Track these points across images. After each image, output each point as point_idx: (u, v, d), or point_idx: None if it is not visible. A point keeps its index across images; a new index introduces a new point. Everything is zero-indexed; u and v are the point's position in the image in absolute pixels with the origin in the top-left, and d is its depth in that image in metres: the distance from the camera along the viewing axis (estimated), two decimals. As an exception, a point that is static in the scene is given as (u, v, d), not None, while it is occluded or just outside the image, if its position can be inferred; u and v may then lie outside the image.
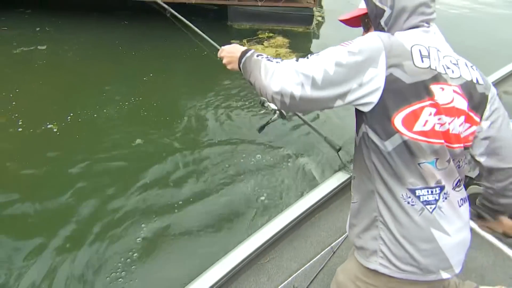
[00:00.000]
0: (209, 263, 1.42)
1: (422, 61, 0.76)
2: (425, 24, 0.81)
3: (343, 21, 1.00)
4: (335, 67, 0.73)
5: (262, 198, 2.42)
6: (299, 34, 5.27)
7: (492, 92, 0.86)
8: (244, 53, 0.91)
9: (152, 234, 2.13)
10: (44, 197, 2.34)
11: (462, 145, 0.84)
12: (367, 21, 0.88)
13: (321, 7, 6.50)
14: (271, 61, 0.83)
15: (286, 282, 1.46)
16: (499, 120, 0.85)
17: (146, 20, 5.13)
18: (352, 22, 0.97)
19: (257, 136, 2.96)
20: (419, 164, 0.80)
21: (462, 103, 0.79)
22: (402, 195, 0.83)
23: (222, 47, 1.03)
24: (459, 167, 0.87)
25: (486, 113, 0.83)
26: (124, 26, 5.09)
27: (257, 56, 0.88)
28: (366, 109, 0.78)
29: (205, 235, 2.16)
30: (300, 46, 4.82)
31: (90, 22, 5.13)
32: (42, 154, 2.72)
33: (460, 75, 0.80)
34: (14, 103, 3.29)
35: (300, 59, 0.78)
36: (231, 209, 2.35)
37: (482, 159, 0.86)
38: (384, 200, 0.86)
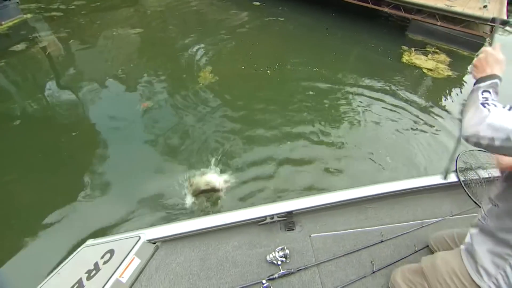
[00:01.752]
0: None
1: None
2: None
3: None
4: None
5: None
6: (462, 57, 5.63)
7: None
8: (485, 79, 0.92)
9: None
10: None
11: None
12: None
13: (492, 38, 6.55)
14: (485, 106, 0.83)
15: (376, 227, 1.69)
16: None
17: (346, 15, 6.96)
18: None
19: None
20: None
21: None
22: None
23: (487, 47, 0.99)
24: None
25: None
26: (331, 17, 7.04)
27: (483, 92, 0.88)
28: None
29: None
30: (459, 67, 5.19)
31: (311, 9, 7.25)
32: (258, 75, 4.63)
33: None
34: (251, 52, 5.31)
35: (500, 110, 0.80)
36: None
37: None
38: None
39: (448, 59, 5.49)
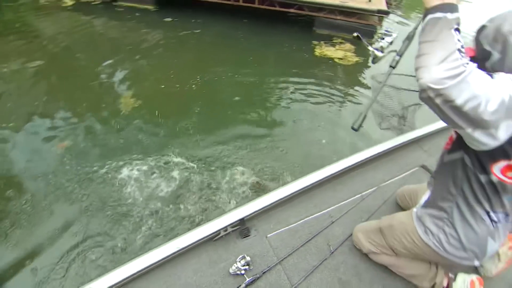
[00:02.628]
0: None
1: None
2: None
3: None
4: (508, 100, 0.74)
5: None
6: (363, 43, 6.59)
7: None
8: (445, 8, 0.76)
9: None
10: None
11: None
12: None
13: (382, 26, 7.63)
14: (462, 56, 0.73)
15: (325, 211, 1.76)
16: None
17: (258, 20, 7.24)
18: None
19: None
20: (501, 197, 0.98)
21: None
22: (480, 214, 1.03)
23: None
24: None
25: None
26: (244, 23, 7.27)
27: (455, 30, 0.76)
28: (480, 147, 0.86)
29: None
30: (362, 53, 5.88)
31: (224, 19, 7.38)
32: (187, 100, 4.30)
33: None
34: (172, 70, 5.04)
35: (484, 76, 0.74)
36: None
37: None
38: (461, 211, 1.06)
39: (353, 47, 6.14)
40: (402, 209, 1.76)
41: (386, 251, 1.43)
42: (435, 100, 0.77)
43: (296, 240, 1.66)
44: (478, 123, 0.78)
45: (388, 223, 1.39)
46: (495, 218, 1.04)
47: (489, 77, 0.77)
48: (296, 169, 3.17)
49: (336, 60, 5.71)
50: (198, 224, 2.23)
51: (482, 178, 0.96)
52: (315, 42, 6.37)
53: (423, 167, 2.15)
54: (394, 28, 2.39)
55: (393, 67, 1.45)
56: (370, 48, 1.68)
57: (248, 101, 4.35)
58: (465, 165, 1.00)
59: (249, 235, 1.67)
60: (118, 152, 3.29)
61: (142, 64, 5.29)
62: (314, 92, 4.69)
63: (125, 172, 3.02)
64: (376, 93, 1.63)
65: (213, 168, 3.13)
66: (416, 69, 0.80)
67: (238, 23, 7.28)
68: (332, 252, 1.60)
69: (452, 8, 0.78)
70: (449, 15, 0.77)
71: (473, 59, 0.84)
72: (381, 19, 6.46)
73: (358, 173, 2.10)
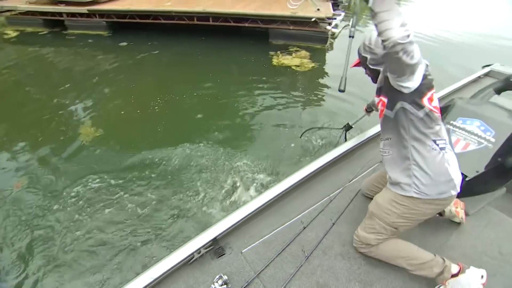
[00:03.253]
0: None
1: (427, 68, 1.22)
2: None
3: (353, 66, 1.57)
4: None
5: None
6: (317, 50, 6.68)
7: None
8: None
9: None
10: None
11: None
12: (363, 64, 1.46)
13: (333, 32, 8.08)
14: (404, 25, 0.99)
15: (296, 218, 1.76)
16: None
17: (215, 37, 7.35)
18: (358, 65, 1.53)
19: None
20: (435, 126, 1.25)
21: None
22: (429, 144, 1.24)
23: None
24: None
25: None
26: (202, 41, 7.33)
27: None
28: (407, 89, 1.16)
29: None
30: (317, 58, 6.23)
31: (181, 38, 7.40)
32: (150, 123, 4.08)
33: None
34: (132, 95, 4.83)
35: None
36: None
37: None
38: (417, 150, 1.26)
39: (308, 54, 6.41)
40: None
41: (387, 232, 1.44)
42: (399, 53, 1.01)
43: (271, 251, 1.66)
44: (413, 68, 1.08)
45: (373, 205, 1.49)
46: (441, 145, 1.26)
47: None
48: (269, 178, 3.18)
49: (294, 67, 5.90)
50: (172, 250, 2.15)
51: (420, 113, 1.22)
52: (271, 53, 6.55)
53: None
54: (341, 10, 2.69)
55: (352, 37, 1.95)
56: (328, 27, 2.19)
57: (211, 117, 4.29)
58: (405, 110, 1.24)
59: (224, 254, 1.65)
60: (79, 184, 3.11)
61: (101, 91, 5.11)
62: (277, 100, 4.76)
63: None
64: (347, 57, 1.99)
65: (181, 188, 3.05)
66: (382, 32, 1.01)
67: (196, 41, 7.32)
68: (307, 257, 1.62)
69: None
70: None
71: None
72: (330, 25, 6.78)
73: (323, 176, 2.14)
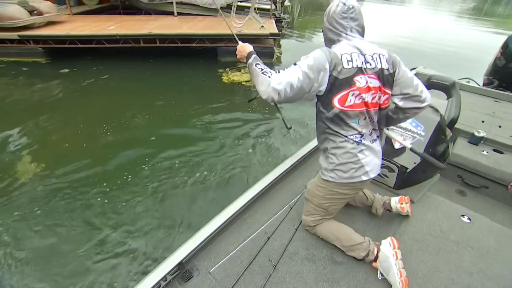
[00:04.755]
0: (207, 219, 1.75)
1: (348, 64, 1.22)
2: (346, 38, 1.28)
3: None
4: (303, 76, 1.19)
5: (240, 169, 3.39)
6: (265, 64, 7.14)
7: (399, 69, 1.31)
8: (248, 57, 1.36)
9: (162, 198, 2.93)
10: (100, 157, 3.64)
11: (377, 108, 1.35)
12: None
13: (280, 46, 8.48)
14: (265, 74, 1.23)
15: (260, 229, 1.76)
16: (404, 82, 1.32)
17: (164, 58, 7.19)
18: None
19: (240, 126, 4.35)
20: (348, 122, 1.33)
21: (376, 83, 1.28)
22: (343, 137, 1.37)
23: (240, 43, 1.48)
24: (372, 121, 1.38)
25: (394, 84, 1.32)
26: (151, 63, 7.11)
27: (256, 65, 1.30)
28: (320, 94, 1.27)
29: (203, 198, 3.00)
30: None
31: (129, 61, 7.10)
32: (94, 145, 3.89)
33: (375, 66, 1.26)
34: (80, 124, 4.44)
35: (281, 74, 1.21)
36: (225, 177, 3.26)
37: (400, 104, 1.38)
38: (333, 141, 1.41)
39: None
40: None
41: (319, 213, 1.64)
42: (273, 100, 1.26)
43: (239, 267, 1.61)
44: (301, 95, 1.28)
45: (307, 191, 1.67)
46: (354, 139, 1.37)
47: (297, 65, 1.26)
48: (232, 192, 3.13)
49: (244, 83, 6.01)
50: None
51: (329, 114, 1.33)
52: (220, 70, 6.61)
53: None
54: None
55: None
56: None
57: (165, 139, 4.15)
58: (318, 110, 1.39)
59: (192, 277, 1.56)
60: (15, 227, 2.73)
61: (41, 123, 4.59)
62: (230, 116, 4.78)
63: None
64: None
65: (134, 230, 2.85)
66: (259, 91, 1.27)
67: (145, 64, 7.08)
68: (275, 266, 1.60)
69: (251, 55, 1.39)
70: (250, 59, 1.36)
71: None
72: (275, 41, 7.08)
73: (282, 185, 2.16)
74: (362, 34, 1.35)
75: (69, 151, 3.89)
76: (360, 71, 1.24)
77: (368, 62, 1.26)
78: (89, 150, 3.91)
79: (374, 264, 1.55)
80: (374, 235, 1.80)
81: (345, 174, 1.43)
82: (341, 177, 1.44)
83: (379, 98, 1.33)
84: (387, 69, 1.30)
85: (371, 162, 1.44)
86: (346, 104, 1.28)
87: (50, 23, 7.37)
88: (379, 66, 1.27)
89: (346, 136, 1.37)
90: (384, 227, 1.88)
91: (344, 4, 1.29)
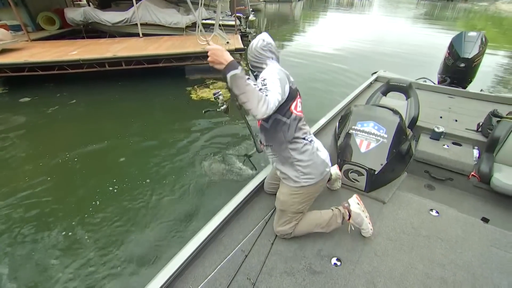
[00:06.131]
0: (185, 241, 1.70)
1: (291, 78, 1.50)
2: (272, 62, 1.52)
3: None
4: (281, 92, 1.34)
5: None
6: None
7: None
8: (231, 66, 1.17)
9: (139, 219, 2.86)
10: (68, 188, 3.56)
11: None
12: None
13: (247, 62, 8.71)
14: (263, 92, 1.24)
15: (236, 248, 1.73)
16: None
17: (132, 80, 7.05)
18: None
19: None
20: (301, 126, 1.55)
21: (298, 96, 1.57)
22: (301, 142, 1.55)
23: (209, 45, 1.21)
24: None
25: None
26: (119, 86, 6.92)
27: (248, 79, 1.18)
28: (280, 104, 1.38)
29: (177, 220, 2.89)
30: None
31: (95, 85, 6.85)
32: (67, 172, 3.74)
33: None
34: (41, 150, 4.29)
35: (270, 92, 1.27)
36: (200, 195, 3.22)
37: None
38: (294, 149, 1.54)
39: (225, 84, 6.50)
40: None
41: (297, 218, 1.71)
42: (266, 117, 1.29)
43: None
44: (282, 101, 1.39)
45: (279, 203, 1.71)
46: (309, 139, 1.59)
47: (270, 77, 1.35)
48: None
49: (213, 99, 5.92)
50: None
51: (290, 120, 1.49)
52: (188, 88, 6.55)
53: None
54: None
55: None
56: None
57: (135, 161, 4.01)
58: (278, 120, 1.49)
59: None
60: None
61: (1, 158, 4.27)
62: (202, 133, 4.71)
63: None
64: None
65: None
66: (248, 110, 1.21)
67: (112, 87, 6.85)
68: (254, 284, 1.56)
69: (236, 64, 1.19)
70: (238, 71, 1.17)
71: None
72: (241, 55, 7.17)
73: (255, 201, 2.14)
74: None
75: (31, 187, 3.58)
76: (294, 84, 1.54)
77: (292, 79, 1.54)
78: (55, 184, 3.65)
79: (348, 221, 1.75)
80: (349, 242, 1.81)
81: (316, 173, 1.58)
82: (313, 178, 1.58)
83: (301, 107, 1.61)
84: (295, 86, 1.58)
85: (324, 152, 1.67)
86: (298, 109, 1.54)
87: (5, 51, 6.97)
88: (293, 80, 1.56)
89: (304, 139, 1.56)
90: (357, 231, 1.89)
91: (263, 40, 1.56)
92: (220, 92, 2.48)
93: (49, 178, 3.72)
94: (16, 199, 3.36)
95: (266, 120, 1.53)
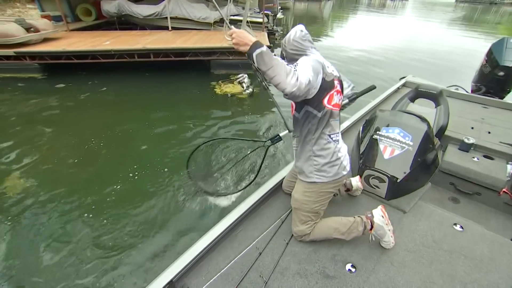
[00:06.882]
0: (200, 235, 1.69)
1: (328, 68, 1.38)
2: (312, 53, 1.42)
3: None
4: (312, 75, 1.23)
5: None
6: (255, 76, 6.70)
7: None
8: (257, 45, 1.14)
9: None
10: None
11: (339, 108, 1.49)
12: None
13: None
14: (291, 66, 1.18)
15: (251, 245, 1.70)
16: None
17: (159, 72, 7.24)
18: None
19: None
20: (331, 122, 1.46)
21: (339, 86, 1.46)
22: (326, 138, 1.48)
23: (233, 29, 1.22)
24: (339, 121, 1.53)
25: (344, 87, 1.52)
26: (146, 77, 7.13)
27: (274, 55, 1.15)
28: (313, 95, 1.30)
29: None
30: (258, 83, 6.25)
31: (123, 75, 7.12)
32: (95, 166, 3.77)
33: (337, 73, 1.45)
34: (76, 138, 4.45)
35: (300, 69, 1.21)
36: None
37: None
38: (317, 143, 1.49)
39: (249, 80, 6.48)
40: None
41: (312, 218, 1.66)
42: (296, 94, 1.18)
43: (229, 284, 1.56)
44: (309, 88, 1.23)
45: (293, 201, 1.68)
46: (334, 138, 1.51)
47: (303, 62, 1.28)
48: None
49: (237, 95, 5.98)
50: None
51: (320, 114, 1.41)
52: (213, 83, 6.61)
53: None
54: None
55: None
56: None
57: (156, 150, 4.11)
58: (308, 111, 1.42)
59: None
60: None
61: (35, 137, 4.54)
62: (225, 126, 4.76)
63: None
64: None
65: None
66: (276, 86, 1.15)
67: (140, 78, 7.08)
68: (266, 283, 1.55)
69: (261, 44, 1.16)
70: (264, 48, 1.14)
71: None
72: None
73: (273, 200, 2.11)
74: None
75: (62, 165, 3.82)
76: (333, 75, 1.42)
77: (334, 70, 1.45)
78: (84, 161, 3.87)
79: (370, 231, 1.67)
80: (366, 249, 1.76)
81: (330, 173, 1.53)
82: (327, 176, 1.54)
83: (339, 100, 1.50)
84: (339, 76, 1.50)
85: (346, 157, 1.60)
86: (332, 103, 1.42)
87: (47, 40, 7.39)
88: (337, 74, 1.47)
89: (329, 136, 1.50)
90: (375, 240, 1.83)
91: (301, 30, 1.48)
92: (245, 76, 2.48)
93: (76, 161, 3.92)
94: (45, 173, 3.57)
95: (298, 110, 1.47)
